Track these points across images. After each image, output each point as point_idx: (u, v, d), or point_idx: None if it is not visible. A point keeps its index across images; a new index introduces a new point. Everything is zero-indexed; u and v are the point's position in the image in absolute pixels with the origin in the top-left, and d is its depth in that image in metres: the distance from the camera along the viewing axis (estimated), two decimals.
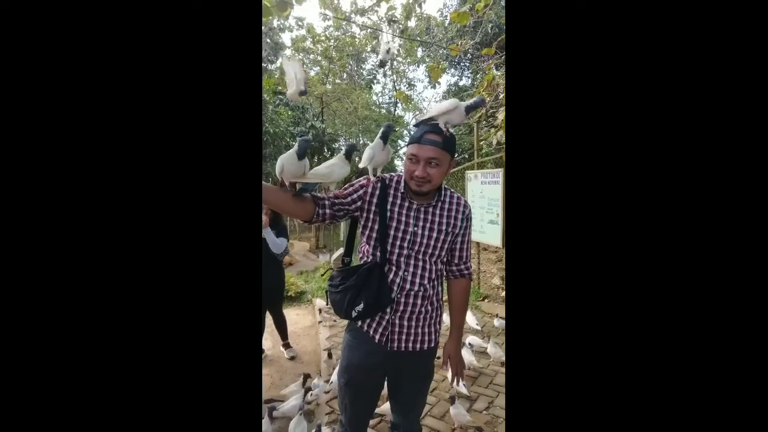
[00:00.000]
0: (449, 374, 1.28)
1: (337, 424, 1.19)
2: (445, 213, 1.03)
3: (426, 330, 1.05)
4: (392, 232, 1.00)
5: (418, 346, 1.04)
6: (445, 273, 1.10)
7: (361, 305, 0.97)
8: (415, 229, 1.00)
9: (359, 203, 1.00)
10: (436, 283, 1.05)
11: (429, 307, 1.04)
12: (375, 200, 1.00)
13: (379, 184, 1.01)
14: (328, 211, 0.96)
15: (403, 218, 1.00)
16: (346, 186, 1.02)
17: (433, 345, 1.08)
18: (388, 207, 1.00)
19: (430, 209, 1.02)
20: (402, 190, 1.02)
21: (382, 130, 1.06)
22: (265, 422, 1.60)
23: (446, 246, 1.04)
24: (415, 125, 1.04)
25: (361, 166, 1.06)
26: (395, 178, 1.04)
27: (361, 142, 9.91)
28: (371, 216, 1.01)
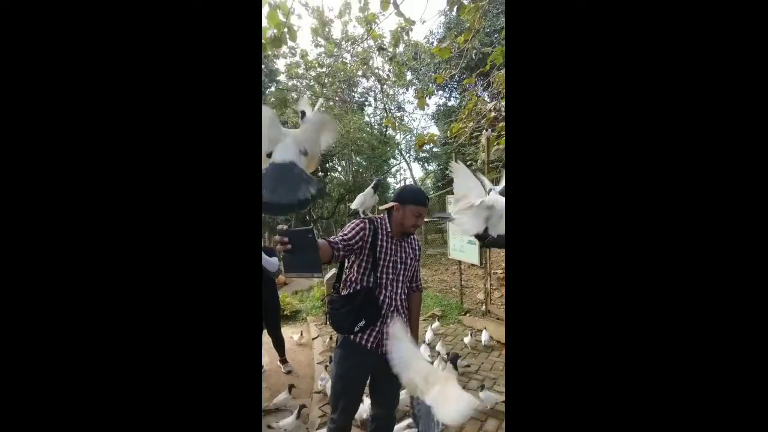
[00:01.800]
0: None
1: (328, 422, 1.43)
2: (411, 246, 1.39)
3: None
4: (382, 262, 1.31)
5: None
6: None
7: (363, 322, 1.26)
8: (396, 258, 1.32)
9: (360, 243, 1.28)
10: (404, 296, 1.38)
11: (403, 315, 1.36)
12: (369, 239, 1.29)
13: (371, 226, 1.31)
14: (342, 252, 1.23)
15: (390, 251, 1.33)
16: (347, 231, 1.29)
17: None
18: (379, 243, 1.30)
19: (404, 243, 1.37)
20: (388, 229, 1.33)
21: (373, 183, 1.48)
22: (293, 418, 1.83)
23: (413, 269, 1.39)
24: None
25: (353, 207, 1.38)
26: (380, 221, 1.34)
27: (354, 161, 10.17)
28: (366, 251, 1.30)
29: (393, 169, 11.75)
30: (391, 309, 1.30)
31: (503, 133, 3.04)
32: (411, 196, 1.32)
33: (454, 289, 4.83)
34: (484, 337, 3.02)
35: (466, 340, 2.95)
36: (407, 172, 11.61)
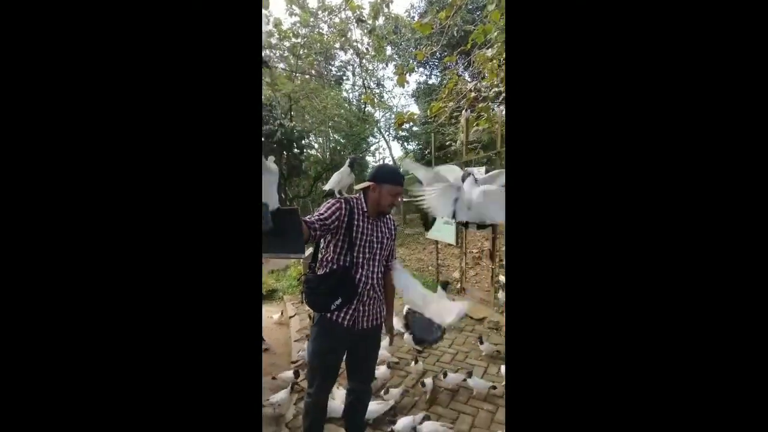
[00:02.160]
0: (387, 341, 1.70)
1: (304, 396, 1.49)
2: (387, 225, 1.39)
3: (377, 310, 1.39)
4: (358, 242, 1.31)
5: (373, 323, 1.38)
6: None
7: (339, 300, 1.28)
8: (372, 237, 1.34)
9: (336, 222, 1.28)
10: (381, 275, 1.40)
11: (379, 293, 1.39)
12: (346, 219, 1.29)
13: (347, 206, 1.30)
14: (318, 232, 1.23)
15: (366, 230, 1.33)
16: (323, 210, 1.28)
17: (380, 321, 1.43)
18: (355, 223, 1.31)
19: (380, 223, 1.38)
20: (364, 209, 1.33)
21: (348, 161, 1.44)
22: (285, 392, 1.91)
23: (389, 248, 1.41)
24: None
25: (327, 187, 1.35)
26: (356, 201, 1.34)
27: (332, 138, 9.94)
28: (342, 231, 1.30)
29: (372, 148, 11.60)
30: (368, 287, 1.33)
31: (483, 113, 3.04)
32: (387, 175, 1.33)
33: (430, 267, 4.95)
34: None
35: (448, 320, 3.04)
36: (386, 151, 11.51)
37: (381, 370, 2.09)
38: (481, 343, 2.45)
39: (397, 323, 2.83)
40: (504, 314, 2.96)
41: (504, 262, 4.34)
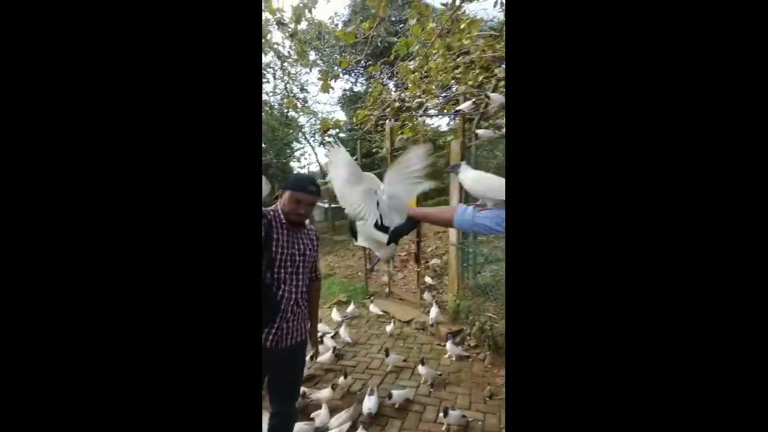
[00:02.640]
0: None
1: None
2: (308, 237, 1.34)
3: (301, 326, 1.33)
4: (278, 257, 1.24)
5: (297, 339, 1.31)
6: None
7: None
8: (294, 250, 1.27)
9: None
10: (305, 289, 1.33)
11: (303, 308, 1.33)
12: (264, 235, 1.22)
13: (265, 221, 1.23)
14: None
15: (286, 244, 1.26)
16: None
17: (305, 337, 1.36)
18: (274, 236, 1.23)
19: (301, 236, 1.30)
20: (282, 221, 1.26)
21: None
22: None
23: (312, 260, 1.35)
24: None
25: None
26: (273, 213, 1.27)
27: None
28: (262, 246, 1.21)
29: (297, 153, 11.27)
30: (291, 303, 1.26)
31: (407, 122, 3.17)
32: (292, 181, 1.29)
33: (360, 273, 4.95)
34: (372, 308, 3.44)
35: (388, 328, 3.06)
36: (312, 157, 11.28)
37: (324, 394, 2.02)
38: (387, 355, 2.49)
39: (324, 328, 2.82)
40: (429, 314, 3.10)
41: (428, 263, 4.56)
